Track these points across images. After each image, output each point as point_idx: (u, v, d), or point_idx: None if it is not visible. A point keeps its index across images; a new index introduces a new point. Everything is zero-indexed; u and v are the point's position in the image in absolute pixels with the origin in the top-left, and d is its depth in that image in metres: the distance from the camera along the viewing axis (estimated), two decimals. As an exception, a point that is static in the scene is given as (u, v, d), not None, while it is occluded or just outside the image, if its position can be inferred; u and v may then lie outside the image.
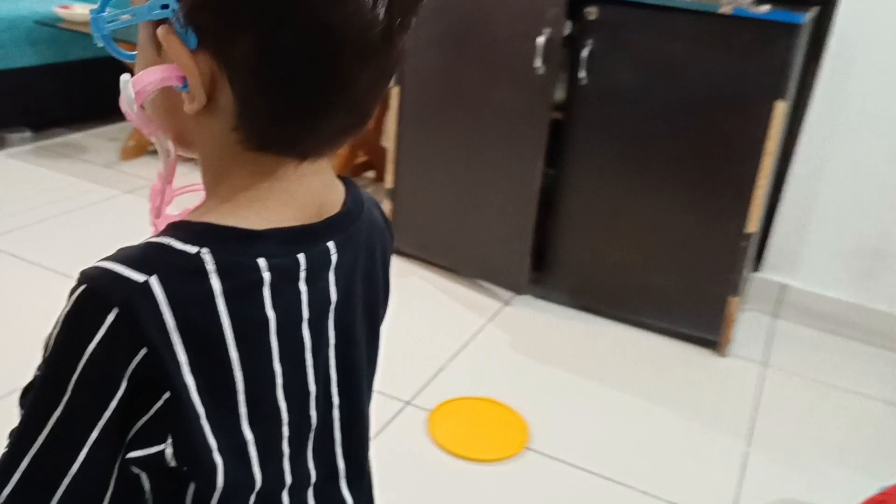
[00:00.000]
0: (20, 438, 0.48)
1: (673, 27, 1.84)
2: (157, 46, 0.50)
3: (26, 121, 3.00)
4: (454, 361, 1.88)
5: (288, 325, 0.53)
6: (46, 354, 0.48)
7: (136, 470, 0.51)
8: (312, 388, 0.57)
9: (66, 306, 0.47)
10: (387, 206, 2.36)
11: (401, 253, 2.40)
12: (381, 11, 0.47)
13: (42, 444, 0.47)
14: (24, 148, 2.96)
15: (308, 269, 0.53)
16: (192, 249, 0.48)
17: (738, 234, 1.90)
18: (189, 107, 0.49)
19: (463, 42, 2.07)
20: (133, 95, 0.50)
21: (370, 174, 3.03)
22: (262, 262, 0.50)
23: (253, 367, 0.51)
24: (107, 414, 0.47)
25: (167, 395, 0.47)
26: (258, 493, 0.54)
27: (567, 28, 1.91)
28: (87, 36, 2.74)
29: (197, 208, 0.54)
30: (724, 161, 1.88)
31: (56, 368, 0.47)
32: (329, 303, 0.56)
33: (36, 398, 0.48)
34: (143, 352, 0.46)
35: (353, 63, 0.48)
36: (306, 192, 0.53)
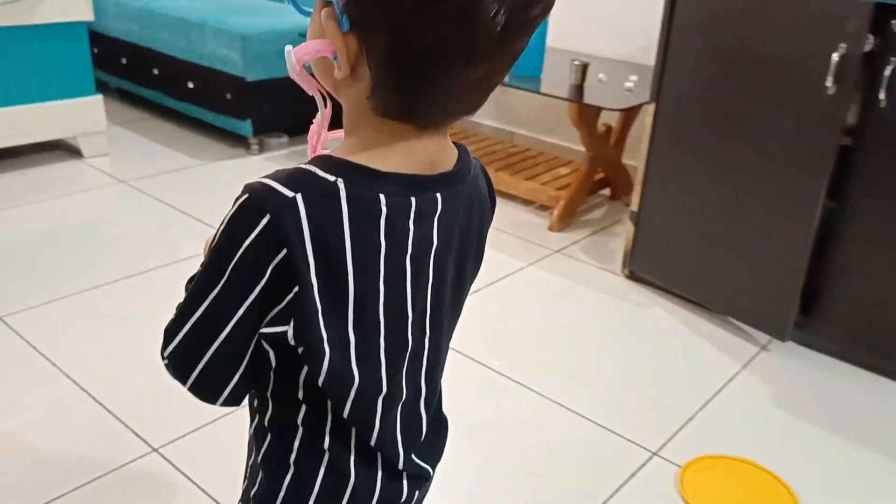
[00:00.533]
0: (185, 309, 0.63)
1: None
2: (320, 19, 0.60)
3: (284, 127, 3.22)
4: (704, 411, 1.70)
5: (395, 255, 0.63)
6: (212, 245, 0.62)
7: (265, 346, 0.64)
8: (409, 314, 0.67)
9: (231, 210, 0.59)
10: (629, 229, 2.22)
11: (640, 280, 2.25)
12: (500, 23, 0.55)
13: (201, 314, 0.62)
14: (281, 152, 3.17)
15: (416, 212, 0.63)
16: (331, 178, 0.60)
17: None
18: (337, 74, 0.61)
19: (734, 58, 1.87)
20: (294, 61, 0.63)
21: (605, 192, 2.90)
22: (382, 197, 0.61)
23: (363, 282, 0.62)
24: (251, 297, 0.60)
25: (296, 289, 0.59)
26: (357, 390, 0.66)
27: (868, 44, 1.66)
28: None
29: (338, 149, 0.64)
30: None
31: (219, 256, 0.60)
32: (430, 245, 0.66)
33: (200, 279, 0.62)
34: (283, 252, 0.58)
35: (466, 64, 0.57)
36: (422, 150, 0.63)
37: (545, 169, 2.87)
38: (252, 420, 0.73)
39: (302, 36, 2.96)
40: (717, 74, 1.92)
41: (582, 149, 2.73)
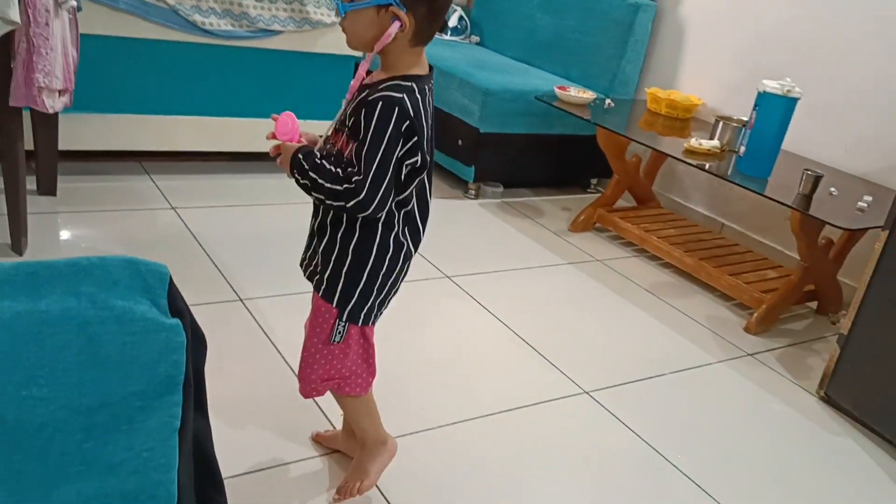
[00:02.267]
0: (366, 167, 1.20)
1: None
2: (377, 14, 1.21)
3: (501, 177, 3.42)
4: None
5: (430, 113, 1.26)
6: (373, 127, 1.19)
7: (403, 171, 1.27)
8: (432, 150, 1.31)
9: (379, 109, 1.19)
10: (833, 350, 2.14)
11: (835, 405, 2.16)
12: None
13: (376, 165, 1.20)
14: (494, 201, 3.37)
15: (429, 91, 1.27)
16: (409, 83, 1.23)
17: None
18: (400, 34, 1.21)
19: None
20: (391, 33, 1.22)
21: (812, 304, 2.79)
22: (426, 87, 1.26)
23: (428, 128, 1.26)
24: (398, 145, 1.22)
25: (415, 138, 1.22)
26: (430, 186, 1.36)
27: None
28: (572, 116, 3.03)
29: (396, 72, 1.26)
30: None
31: (379, 133, 1.20)
32: (430, 108, 1.27)
33: (371, 144, 1.20)
34: (408, 121, 1.21)
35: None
36: (425, 60, 1.29)
37: (752, 268, 2.82)
38: (336, 224, 1.32)
39: (540, 100, 3.16)
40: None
41: (795, 255, 2.66)
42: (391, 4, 1.17)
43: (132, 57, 2.72)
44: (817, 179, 2.42)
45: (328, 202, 1.25)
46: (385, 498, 1.54)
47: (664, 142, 2.92)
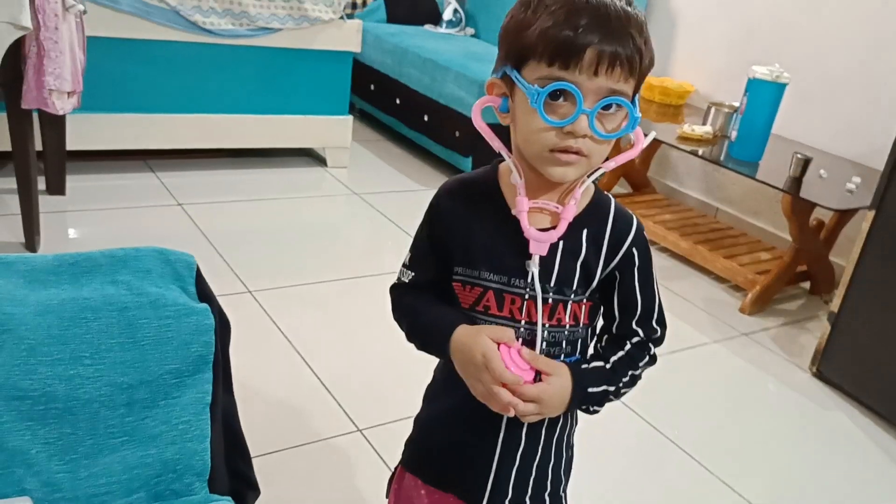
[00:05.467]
0: (659, 309, 0.89)
1: None
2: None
3: (499, 167, 3.48)
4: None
5: None
6: (646, 260, 0.89)
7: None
8: None
9: (642, 237, 0.88)
10: (825, 328, 2.22)
11: (828, 381, 2.23)
12: None
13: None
14: (493, 190, 3.43)
15: None
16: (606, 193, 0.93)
17: None
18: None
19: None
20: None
21: (805, 285, 2.86)
22: None
23: None
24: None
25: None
26: None
27: None
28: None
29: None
30: None
31: (651, 265, 0.89)
32: None
33: (652, 286, 0.88)
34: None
35: None
36: None
37: (746, 251, 2.89)
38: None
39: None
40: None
41: (787, 237, 2.73)
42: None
43: (136, 57, 2.78)
44: (807, 162, 2.48)
45: (629, 390, 0.91)
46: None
47: (658, 128, 2.99)
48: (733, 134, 2.73)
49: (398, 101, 3.66)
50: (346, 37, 3.15)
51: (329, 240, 2.75)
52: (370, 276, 2.43)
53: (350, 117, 3.31)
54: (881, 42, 2.72)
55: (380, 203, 3.04)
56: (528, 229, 0.80)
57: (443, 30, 4.16)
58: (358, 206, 3.03)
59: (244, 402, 1.81)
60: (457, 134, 3.31)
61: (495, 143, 0.85)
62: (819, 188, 2.48)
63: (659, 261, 2.94)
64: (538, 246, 0.81)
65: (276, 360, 1.95)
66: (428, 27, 4.21)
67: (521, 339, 0.83)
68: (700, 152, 2.74)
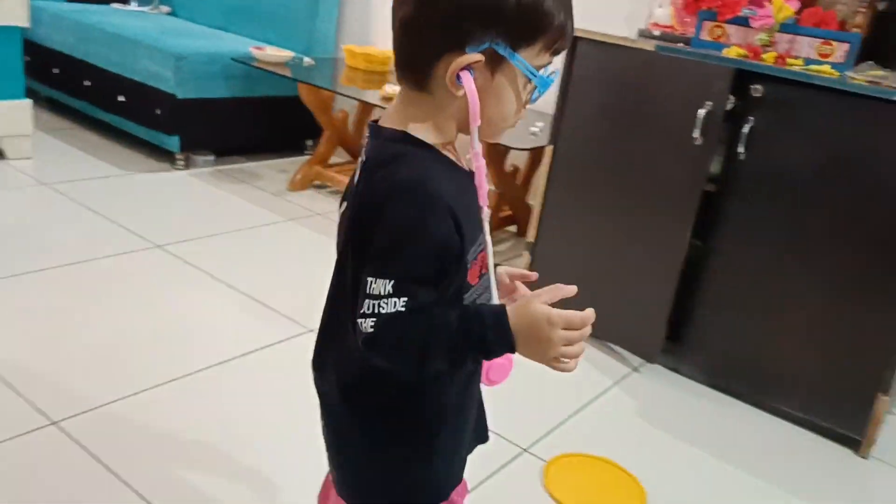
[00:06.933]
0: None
1: (845, 110, 1.81)
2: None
3: (211, 146, 3.33)
4: (575, 417, 1.88)
5: None
6: None
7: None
8: None
9: None
10: (525, 259, 2.42)
11: (534, 306, 2.44)
12: None
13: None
14: (206, 170, 3.27)
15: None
16: None
17: None
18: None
19: (628, 110, 2.11)
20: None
21: (512, 228, 3.11)
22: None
23: None
24: None
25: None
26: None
27: (730, 103, 1.92)
28: (274, 75, 3.03)
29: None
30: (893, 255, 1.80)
31: None
32: None
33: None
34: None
35: None
36: None
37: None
38: None
39: (237, 62, 3.11)
40: (612, 124, 2.15)
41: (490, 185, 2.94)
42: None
43: None
44: (496, 111, 2.68)
45: None
46: (110, 469, 1.47)
47: (366, 95, 3.05)
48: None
49: (87, 83, 3.33)
50: (9, 10, 2.79)
51: (21, 235, 2.42)
52: (68, 265, 2.19)
53: (28, 101, 2.95)
54: None
55: (77, 193, 2.75)
56: (485, 184, 0.84)
57: (134, 7, 3.87)
58: (48, 197, 2.71)
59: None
60: (157, 112, 3.10)
61: (476, 109, 0.79)
62: (507, 133, 2.67)
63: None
64: (483, 197, 0.85)
65: None
66: (116, 5, 3.89)
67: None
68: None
